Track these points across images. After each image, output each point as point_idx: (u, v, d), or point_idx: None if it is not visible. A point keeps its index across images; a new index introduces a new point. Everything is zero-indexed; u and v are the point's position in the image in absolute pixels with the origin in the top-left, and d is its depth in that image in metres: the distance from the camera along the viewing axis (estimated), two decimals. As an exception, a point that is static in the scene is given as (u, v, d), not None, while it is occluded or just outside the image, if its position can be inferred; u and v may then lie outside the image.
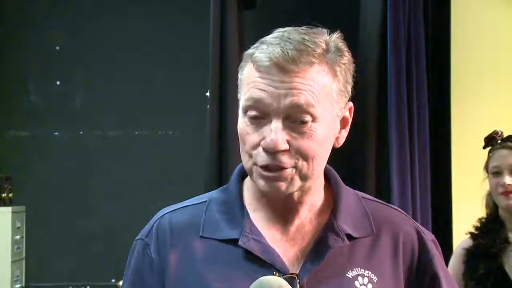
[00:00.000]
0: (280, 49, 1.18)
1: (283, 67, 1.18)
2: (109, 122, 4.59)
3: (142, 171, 4.54)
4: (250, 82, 1.21)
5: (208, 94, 3.68)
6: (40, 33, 4.59)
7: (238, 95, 1.26)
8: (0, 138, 4.58)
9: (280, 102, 1.18)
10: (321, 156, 1.23)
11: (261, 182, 1.22)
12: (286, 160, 1.19)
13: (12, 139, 4.58)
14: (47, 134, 4.59)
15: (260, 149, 1.20)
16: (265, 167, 1.20)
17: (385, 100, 3.65)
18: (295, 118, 1.19)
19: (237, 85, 1.27)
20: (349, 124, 1.29)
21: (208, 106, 3.67)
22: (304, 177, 1.22)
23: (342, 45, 1.25)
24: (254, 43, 1.26)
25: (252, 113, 1.20)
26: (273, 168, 1.20)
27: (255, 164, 1.22)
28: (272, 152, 1.19)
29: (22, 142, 4.58)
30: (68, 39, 4.60)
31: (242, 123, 1.23)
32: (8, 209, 4.31)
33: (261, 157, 1.20)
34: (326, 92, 1.21)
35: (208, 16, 3.68)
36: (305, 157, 1.20)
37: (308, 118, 1.19)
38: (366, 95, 3.64)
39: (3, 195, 4.39)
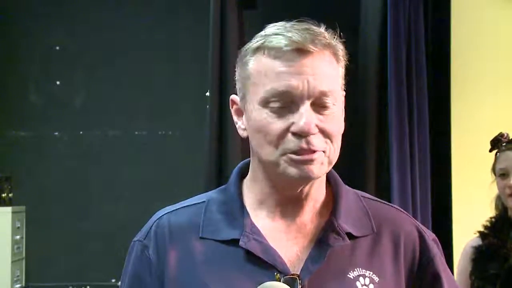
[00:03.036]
0: (296, 33, 1.19)
1: (303, 49, 1.18)
2: (109, 122, 4.59)
3: (142, 171, 4.53)
4: (271, 74, 1.20)
5: (208, 94, 3.68)
6: (40, 33, 4.59)
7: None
8: (0, 138, 4.58)
9: (308, 88, 1.19)
10: (340, 138, 1.24)
11: (292, 170, 1.20)
12: (318, 143, 1.19)
13: (12, 139, 4.58)
14: (47, 134, 4.59)
15: (289, 135, 1.19)
16: (297, 153, 1.19)
17: (385, 99, 3.65)
18: (321, 102, 1.20)
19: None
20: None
21: (208, 106, 3.67)
22: (331, 161, 1.23)
23: (337, 36, 1.26)
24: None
25: (276, 104, 1.19)
26: (306, 152, 1.19)
27: (283, 153, 1.20)
28: (305, 136, 1.18)
29: (22, 142, 4.58)
30: (68, 39, 4.59)
31: (261, 115, 1.20)
32: (8, 209, 4.30)
33: (293, 143, 1.19)
34: (338, 76, 1.24)
35: (208, 16, 3.67)
36: (332, 139, 1.21)
37: (332, 101, 1.20)
38: (367, 94, 3.65)
39: (3, 195, 4.39)
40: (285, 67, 1.19)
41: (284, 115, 1.19)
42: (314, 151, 1.19)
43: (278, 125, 1.19)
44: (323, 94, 1.19)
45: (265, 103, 1.20)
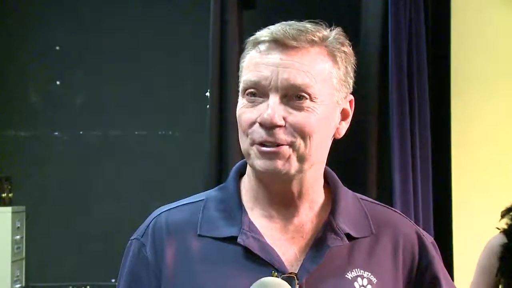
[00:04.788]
0: (281, 29, 1.21)
1: (283, 43, 1.19)
2: (109, 122, 4.59)
3: (142, 171, 4.53)
4: (250, 65, 1.22)
5: (208, 94, 3.68)
6: (40, 33, 4.59)
7: (239, 83, 1.26)
8: (0, 138, 4.58)
9: (277, 79, 1.19)
10: (320, 136, 1.22)
11: (258, 162, 1.21)
12: (282, 136, 1.19)
13: (12, 139, 4.58)
14: (47, 134, 4.58)
15: (256, 125, 1.20)
16: (261, 144, 1.20)
17: (387, 99, 3.65)
18: (292, 96, 1.19)
19: (237, 85, 1.27)
20: (350, 117, 1.29)
21: (208, 106, 3.67)
22: (301, 157, 1.20)
23: (343, 38, 1.26)
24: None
25: (251, 90, 1.21)
26: (270, 145, 1.19)
27: (251, 144, 1.21)
28: (268, 127, 1.18)
29: (22, 142, 4.57)
30: (68, 39, 4.59)
31: (240, 105, 1.23)
32: (8, 209, 4.29)
33: (257, 133, 1.20)
34: (325, 76, 1.22)
35: (208, 16, 3.67)
36: (302, 133, 1.19)
37: (305, 95, 1.19)
38: (368, 94, 3.65)
39: (3, 195, 4.38)
40: (261, 58, 1.21)
41: (257, 106, 1.21)
42: (278, 144, 1.19)
43: (249, 114, 1.21)
44: (297, 87, 1.19)
45: (243, 93, 1.23)
